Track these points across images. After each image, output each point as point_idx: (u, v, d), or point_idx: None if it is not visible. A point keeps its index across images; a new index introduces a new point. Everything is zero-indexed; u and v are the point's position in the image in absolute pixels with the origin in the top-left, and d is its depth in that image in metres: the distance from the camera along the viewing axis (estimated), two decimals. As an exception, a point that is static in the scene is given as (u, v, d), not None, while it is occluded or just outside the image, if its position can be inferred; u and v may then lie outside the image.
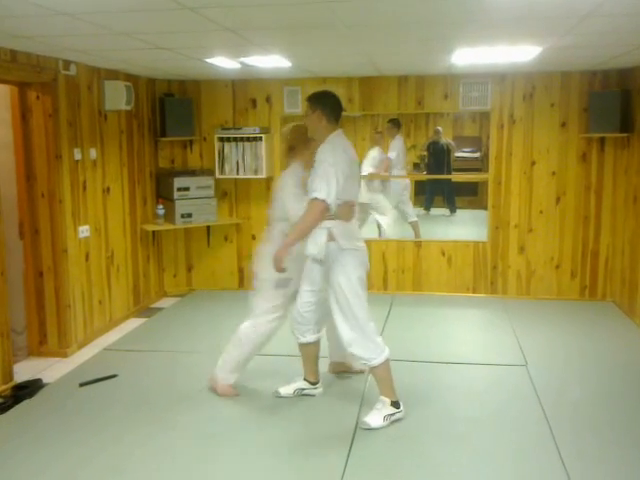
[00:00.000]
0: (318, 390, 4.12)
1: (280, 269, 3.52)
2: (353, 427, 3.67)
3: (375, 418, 3.66)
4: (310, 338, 3.95)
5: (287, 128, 4.11)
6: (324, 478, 3.17)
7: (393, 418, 3.69)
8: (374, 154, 7.70)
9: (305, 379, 4.12)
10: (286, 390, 4.10)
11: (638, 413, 3.86)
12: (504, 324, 5.60)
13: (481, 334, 5.48)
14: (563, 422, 3.72)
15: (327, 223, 3.56)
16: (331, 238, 3.60)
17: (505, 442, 3.52)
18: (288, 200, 3.84)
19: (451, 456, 3.37)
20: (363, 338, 3.62)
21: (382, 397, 3.72)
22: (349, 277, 3.61)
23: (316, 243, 3.60)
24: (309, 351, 4.04)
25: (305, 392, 4.10)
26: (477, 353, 4.94)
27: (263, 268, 3.96)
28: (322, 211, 3.43)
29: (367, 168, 7.49)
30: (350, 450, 3.41)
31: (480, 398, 4.10)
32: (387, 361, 3.69)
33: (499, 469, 3.24)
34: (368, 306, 3.70)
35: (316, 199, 3.40)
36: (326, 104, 3.65)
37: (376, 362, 3.64)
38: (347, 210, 3.64)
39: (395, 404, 3.71)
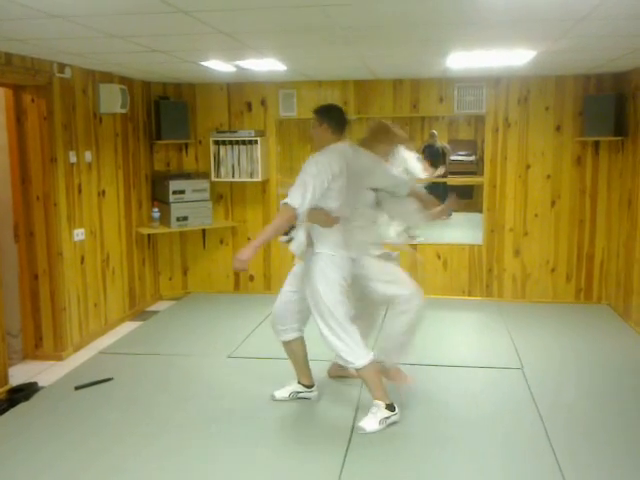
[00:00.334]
0: (313, 394, 4.11)
1: (242, 269, 3.63)
2: (350, 429, 3.67)
3: (370, 422, 3.66)
4: (291, 336, 3.95)
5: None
6: (322, 478, 3.16)
7: (389, 421, 3.68)
8: None
9: (299, 382, 4.11)
10: (281, 393, 4.10)
11: (633, 415, 3.87)
12: (500, 327, 5.61)
13: (477, 337, 5.49)
14: (558, 425, 3.73)
15: (306, 224, 3.66)
16: (309, 241, 3.68)
17: (501, 444, 3.52)
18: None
19: (447, 458, 3.38)
20: (344, 342, 3.62)
21: (376, 401, 3.71)
22: (327, 282, 3.63)
23: (297, 240, 3.70)
24: (293, 350, 4.03)
25: (300, 395, 4.09)
26: (473, 356, 4.95)
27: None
28: (290, 218, 3.53)
29: None
30: (347, 452, 3.41)
31: (476, 401, 4.10)
32: (373, 363, 3.67)
33: (495, 472, 3.25)
34: (351, 310, 3.71)
35: (287, 204, 3.50)
36: (332, 117, 3.78)
37: (360, 364, 3.64)
38: (323, 217, 3.66)
39: (390, 407, 3.70)
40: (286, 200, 3.51)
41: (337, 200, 3.69)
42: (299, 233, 3.70)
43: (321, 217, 3.66)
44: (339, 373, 4.35)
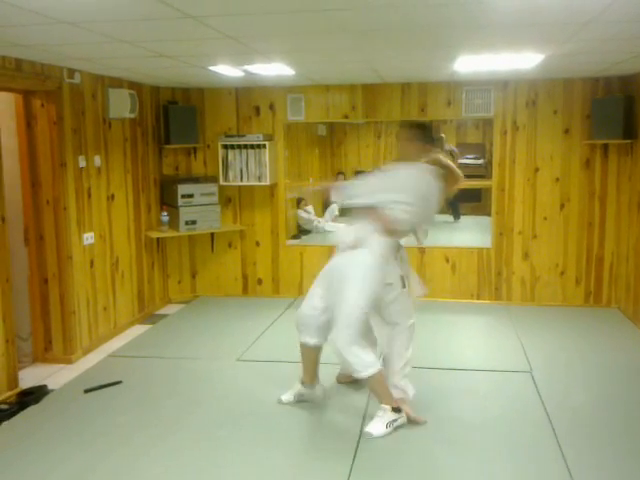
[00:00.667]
0: (317, 393, 4.09)
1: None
2: (358, 433, 3.67)
3: (377, 426, 3.65)
4: (310, 341, 3.95)
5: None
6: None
7: (396, 424, 3.68)
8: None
9: (302, 382, 4.09)
10: (287, 397, 4.10)
11: (642, 419, 3.86)
12: (508, 330, 5.60)
13: (485, 340, 5.48)
14: (567, 427, 3.71)
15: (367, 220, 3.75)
16: (360, 238, 3.71)
17: (509, 447, 3.51)
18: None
19: (455, 461, 3.37)
20: (355, 351, 3.62)
21: (382, 405, 3.71)
22: (364, 283, 3.63)
23: (348, 232, 3.80)
24: (307, 352, 4.03)
25: (305, 397, 4.08)
26: (481, 359, 4.93)
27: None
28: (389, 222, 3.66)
29: None
30: (355, 455, 3.42)
31: (484, 404, 4.09)
32: (378, 373, 3.67)
33: (503, 474, 3.24)
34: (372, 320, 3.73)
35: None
36: (427, 137, 3.99)
37: (364, 374, 3.64)
38: (387, 224, 3.71)
39: (396, 410, 3.70)
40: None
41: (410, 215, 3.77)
42: (354, 226, 3.77)
43: (386, 222, 3.70)
44: (348, 380, 4.34)
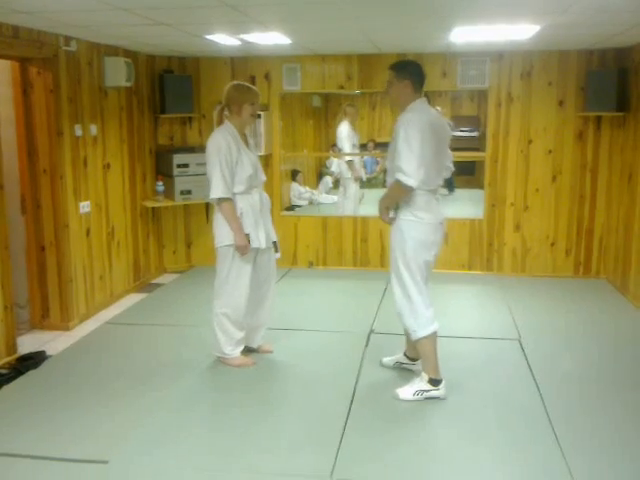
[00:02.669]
0: (416, 367, 4.04)
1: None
2: (351, 395, 3.77)
3: (406, 391, 3.72)
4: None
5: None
6: (323, 442, 3.26)
7: (427, 395, 3.70)
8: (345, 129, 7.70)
9: (405, 354, 4.14)
10: (388, 361, 4.20)
11: (627, 384, 3.97)
12: (499, 300, 5.70)
13: (476, 310, 5.58)
14: (554, 392, 3.83)
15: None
16: (396, 207, 3.67)
17: (498, 411, 3.62)
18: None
19: (444, 425, 3.47)
20: (411, 309, 3.68)
21: (422, 373, 3.76)
22: (406, 247, 3.63)
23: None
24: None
25: (404, 366, 4.13)
26: (472, 327, 5.04)
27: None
28: (404, 193, 3.53)
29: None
30: (347, 417, 3.51)
31: (475, 369, 4.19)
32: (433, 335, 3.71)
33: (491, 438, 3.34)
34: (424, 281, 3.72)
35: (401, 183, 3.46)
36: (413, 73, 3.65)
37: (420, 334, 3.69)
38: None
39: (434, 382, 3.72)
40: (399, 177, 3.45)
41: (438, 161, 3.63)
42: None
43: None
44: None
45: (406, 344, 4.11)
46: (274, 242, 4.31)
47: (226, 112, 4.10)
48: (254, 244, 4.09)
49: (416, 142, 3.42)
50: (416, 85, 3.64)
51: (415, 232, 3.62)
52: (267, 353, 4.44)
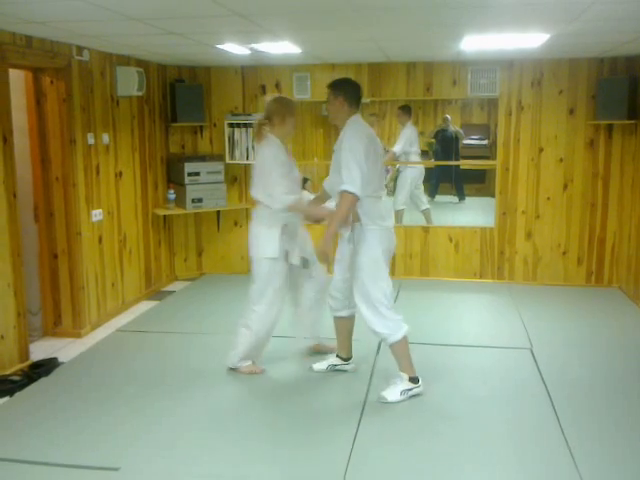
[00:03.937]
0: (350, 366, 4.24)
1: (327, 260, 3.75)
2: (362, 403, 3.77)
3: (392, 392, 3.80)
4: (343, 313, 4.08)
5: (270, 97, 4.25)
6: (335, 449, 3.27)
7: (411, 393, 3.82)
8: None
9: (338, 355, 4.25)
10: (320, 366, 4.25)
11: (639, 393, 3.95)
12: (510, 309, 5.67)
13: (487, 318, 5.56)
14: (565, 401, 3.80)
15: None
16: (355, 218, 3.76)
17: (509, 420, 3.60)
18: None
19: (456, 435, 3.45)
20: (378, 316, 3.76)
21: (400, 372, 3.86)
22: (373, 255, 3.76)
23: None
24: (342, 325, 4.16)
25: (337, 368, 4.23)
26: (483, 336, 5.01)
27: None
28: (353, 204, 3.64)
29: None
30: (359, 424, 3.51)
31: (485, 379, 4.18)
32: (405, 338, 3.81)
33: (503, 447, 3.32)
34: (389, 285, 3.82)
35: (347, 192, 3.60)
36: (348, 91, 3.87)
37: (393, 339, 3.79)
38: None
39: (413, 380, 3.84)
40: (345, 187, 3.60)
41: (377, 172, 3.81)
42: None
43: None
44: (316, 349, 4.50)
45: (337, 345, 4.23)
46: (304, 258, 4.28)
47: (266, 126, 4.13)
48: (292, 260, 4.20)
49: (359, 153, 3.63)
50: (351, 102, 3.85)
51: (380, 238, 3.79)
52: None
